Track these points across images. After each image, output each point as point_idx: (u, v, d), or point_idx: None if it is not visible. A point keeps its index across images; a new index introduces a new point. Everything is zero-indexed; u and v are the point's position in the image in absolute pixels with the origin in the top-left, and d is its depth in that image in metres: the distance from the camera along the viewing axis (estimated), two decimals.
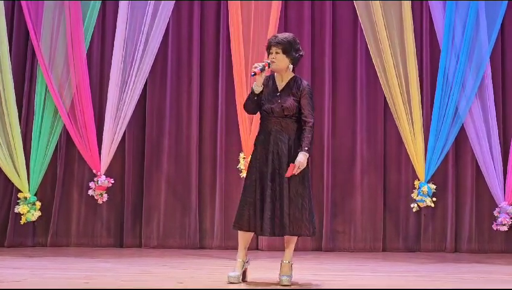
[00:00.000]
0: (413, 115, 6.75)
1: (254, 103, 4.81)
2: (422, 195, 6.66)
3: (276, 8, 6.77)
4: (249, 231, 4.73)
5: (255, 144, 4.85)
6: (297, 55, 4.81)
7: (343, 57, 7.19)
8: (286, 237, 4.75)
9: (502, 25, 6.88)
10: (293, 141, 4.73)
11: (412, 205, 6.75)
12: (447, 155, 6.87)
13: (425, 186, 6.67)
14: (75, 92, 6.77)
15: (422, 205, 6.69)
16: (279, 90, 4.80)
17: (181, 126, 7.16)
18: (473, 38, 6.74)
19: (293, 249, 4.80)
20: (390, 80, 6.76)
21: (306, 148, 4.67)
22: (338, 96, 7.17)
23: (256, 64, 4.73)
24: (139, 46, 6.82)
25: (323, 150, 7.05)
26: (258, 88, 4.76)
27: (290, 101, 4.73)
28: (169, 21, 6.99)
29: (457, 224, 7.00)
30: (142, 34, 6.82)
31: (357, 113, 7.13)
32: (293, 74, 4.85)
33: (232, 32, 6.76)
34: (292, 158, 4.67)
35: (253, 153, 4.83)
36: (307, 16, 7.16)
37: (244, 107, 4.91)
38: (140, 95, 6.93)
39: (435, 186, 6.74)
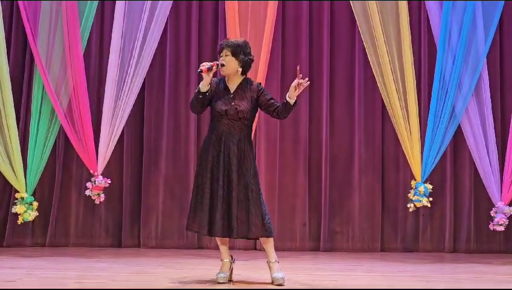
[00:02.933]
0: (409, 114, 6.73)
1: (200, 103, 4.79)
2: (419, 195, 6.64)
3: (272, 8, 6.77)
4: (199, 232, 4.80)
5: (205, 145, 4.85)
6: (246, 58, 4.83)
7: (341, 57, 7.18)
8: (261, 239, 4.81)
9: (500, 24, 6.87)
10: (243, 144, 4.77)
11: (408, 205, 6.73)
12: (444, 155, 6.85)
13: (422, 186, 6.65)
14: (72, 92, 6.79)
15: (418, 205, 6.67)
16: (232, 92, 4.83)
17: (179, 127, 7.16)
18: (470, 38, 6.72)
19: (273, 248, 4.80)
20: (387, 80, 6.75)
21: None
22: (336, 97, 7.15)
23: (204, 63, 4.75)
24: (137, 46, 6.83)
25: (321, 150, 7.05)
26: (204, 87, 4.75)
27: (245, 105, 4.78)
28: (167, 21, 7.00)
29: (456, 224, 6.98)
30: (140, 33, 6.84)
31: (355, 113, 7.11)
32: (243, 77, 4.89)
33: (229, 33, 6.76)
34: (242, 160, 4.73)
35: (202, 154, 4.84)
36: (305, 16, 7.15)
37: (190, 107, 4.91)
38: (139, 96, 6.95)
39: (431, 186, 6.72)
